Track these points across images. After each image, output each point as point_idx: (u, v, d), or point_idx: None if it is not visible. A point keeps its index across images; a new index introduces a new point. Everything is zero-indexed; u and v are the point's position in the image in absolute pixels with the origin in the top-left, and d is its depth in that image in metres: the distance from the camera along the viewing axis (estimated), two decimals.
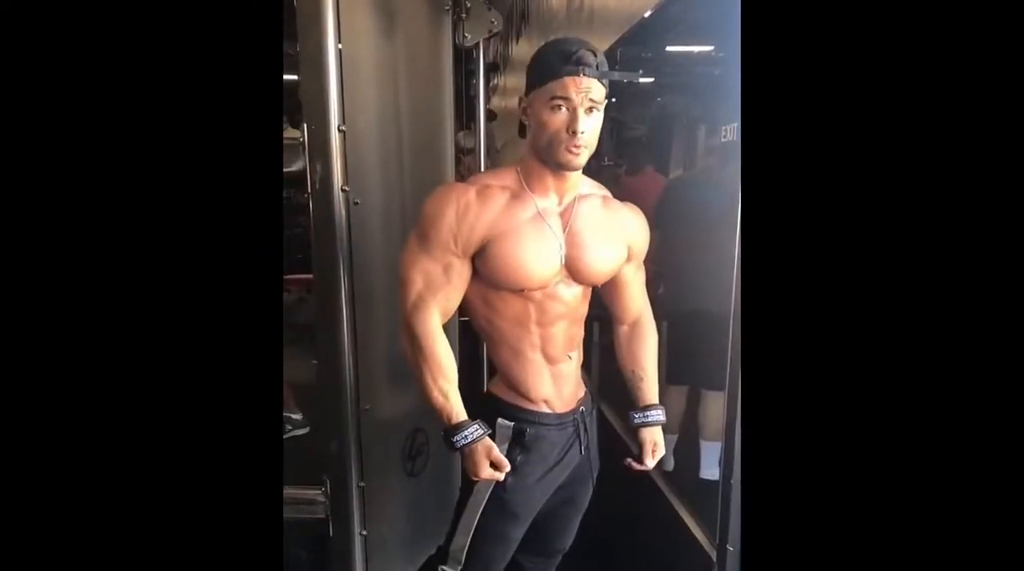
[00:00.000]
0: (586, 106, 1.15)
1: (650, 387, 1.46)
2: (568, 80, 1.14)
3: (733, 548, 1.54)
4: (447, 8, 1.84)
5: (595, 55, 1.16)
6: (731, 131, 1.62)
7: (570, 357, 1.35)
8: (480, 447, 1.24)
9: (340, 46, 1.48)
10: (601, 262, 1.31)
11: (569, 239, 1.27)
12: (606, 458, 1.48)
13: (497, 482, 1.30)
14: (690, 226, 2.37)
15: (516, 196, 1.25)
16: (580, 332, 1.37)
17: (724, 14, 1.41)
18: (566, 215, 1.27)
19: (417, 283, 1.25)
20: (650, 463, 1.43)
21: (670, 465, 2.58)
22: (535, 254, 1.23)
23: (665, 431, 1.43)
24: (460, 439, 1.23)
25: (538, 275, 1.25)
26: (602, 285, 1.40)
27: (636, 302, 1.46)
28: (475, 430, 1.24)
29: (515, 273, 1.24)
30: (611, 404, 2.72)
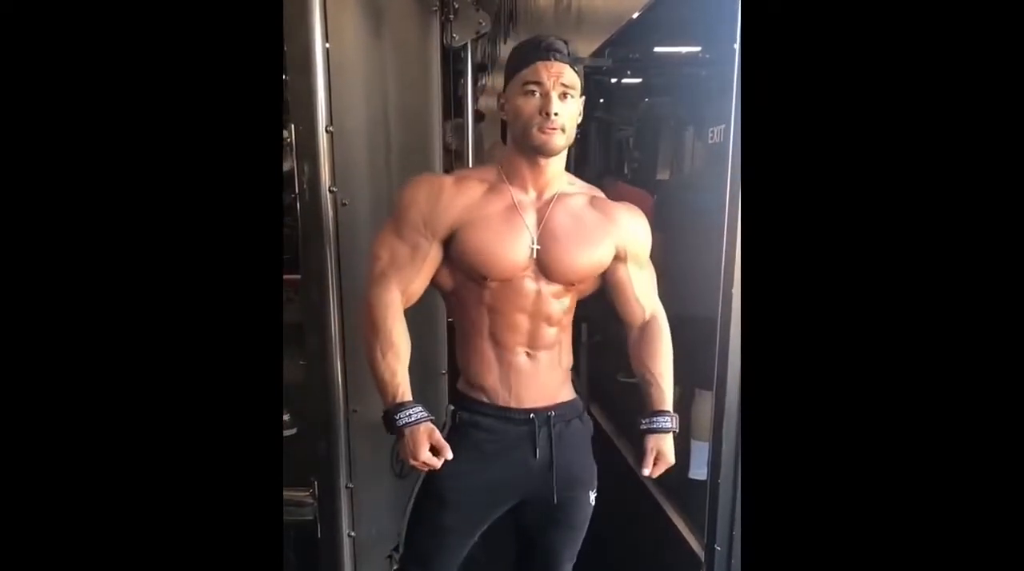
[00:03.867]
0: (559, 91, 1.18)
1: (660, 393, 1.36)
2: (540, 65, 1.18)
3: (721, 548, 1.54)
4: (435, 9, 1.84)
5: (566, 44, 1.20)
6: (718, 133, 1.63)
7: (527, 354, 1.30)
8: (422, 428, 1.20)
9: (327, 46, 1.47)
10: (574, 260, 1.27)
11: (543, 234, 1.25)
12: (596, 460, 1.47)
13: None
14: (679, 228, 2.38)
15: (493, 188, 1.26)
16: (549, 332, 1.31)
17: (712, 15, 1.42)
18: (543, 210, 1.27)
19: (382, 259, 1.26)
20: (647, 471, 1.34)
21: None
22: (502, 243, 1.23)
23: None
24: (402, 417, 1.20)
25: (503, 264, 1.24)
26: (606, 288, 1.38)
27: (640, 304, 1.39)
28: (418, 411, 1.21)
29: (481, 260, 1.23)
30: (601, 407, 2.73)
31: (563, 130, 1.19)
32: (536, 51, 1.19)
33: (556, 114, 1.17)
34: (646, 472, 1.34)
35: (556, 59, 1.18)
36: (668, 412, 1.35)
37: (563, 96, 1.19)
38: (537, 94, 1.18)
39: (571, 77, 1.19)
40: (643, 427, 1.35)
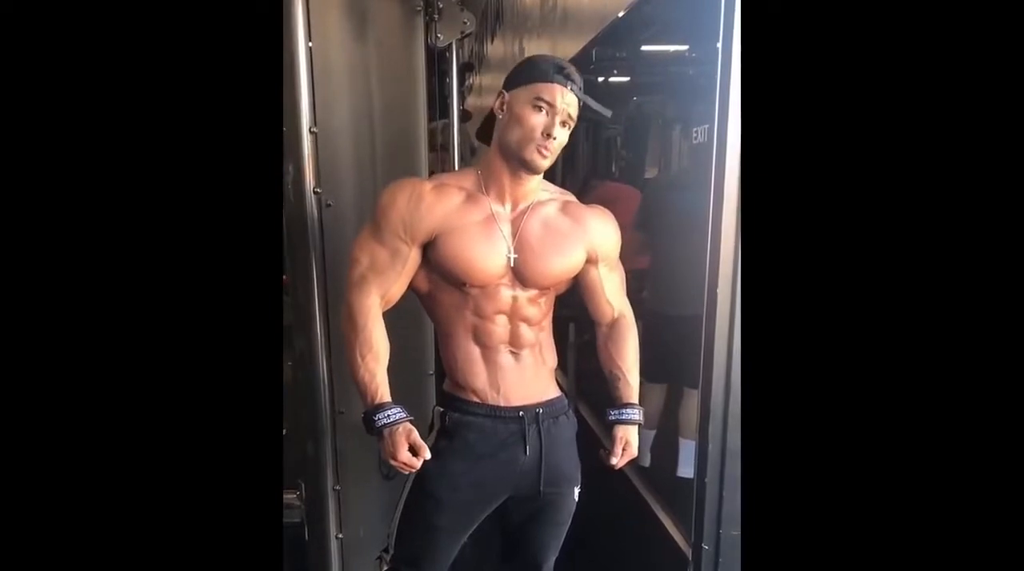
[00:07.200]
0: (563, 118, 1.22)
1: (627, 387, 1.43)
2: (557, 86, 1.21)
3: (708, 547, 1.55)
4: (419, 9, 1.83)
5: (580, 79, 1.24)
6: (703, 133, 1.63)
7: (512, 353, 1.34)
8: (401, 429, 1.24)
9: (311, 45, 1.47)
10: (548, 268, 1.32)
11: (519, 245, 1.28)
12: (581, 457, 1.48)
13: (422, 466, 1.28)
14: (666, 226, 2.38)
15: (471, 197, 1.29)
16: (531, 332, 1.35)
17: (699, 14, 1.41)
18: (518, 221, 1.30)
19: (362, 263, 1.28)
20: (615, 460, 1.39)
21: (647, 461, 2.58)
22: (479, 253, 1.26)
23: (643, 427, 1.42)
24: (382, 418, 1.23)
25: (481, 273, 1.27)
26: (577, 288, 1.42)
27: (610, 304, 1.45)
28: (397, 412, 1.25)
29: (460, 268, 1.26)
30: (588, 403, 2.72)
31: (553, 154, 1.23)
32: (559, 72, 1.22)
33: (555, 138, 1.21)
34: (613, 461, 1.39)
35: (572, 90, 1.21)
36: (636, 405, 1.41)
37: (563, 124, 1.23)
38: (544, 112, 1.21)
39: (575, 110, 1.23)
40: (612, 418, 1.41)
